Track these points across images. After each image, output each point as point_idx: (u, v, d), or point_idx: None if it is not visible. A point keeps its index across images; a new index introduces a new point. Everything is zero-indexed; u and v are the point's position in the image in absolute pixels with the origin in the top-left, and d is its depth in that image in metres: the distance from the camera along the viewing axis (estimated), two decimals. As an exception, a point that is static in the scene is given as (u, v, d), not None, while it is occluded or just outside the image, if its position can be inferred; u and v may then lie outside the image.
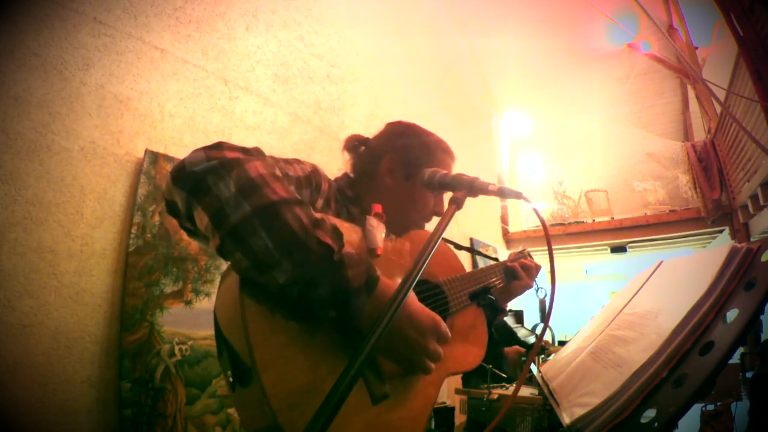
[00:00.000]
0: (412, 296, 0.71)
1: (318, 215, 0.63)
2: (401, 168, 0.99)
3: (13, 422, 1.27)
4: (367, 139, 1.07)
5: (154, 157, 1.75)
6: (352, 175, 1.04)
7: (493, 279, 1.09)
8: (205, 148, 0.62)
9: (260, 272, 0.58)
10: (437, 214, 1.00)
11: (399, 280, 0.59)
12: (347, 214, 0.93)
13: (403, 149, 1.00)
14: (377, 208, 0.79)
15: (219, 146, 0.63)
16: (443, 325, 0.70)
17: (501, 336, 2.67)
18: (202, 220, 0.59)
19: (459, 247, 1.10)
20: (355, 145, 1.06)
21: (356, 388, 0.46)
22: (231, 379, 0.61)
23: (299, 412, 0.57)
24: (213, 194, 0.58)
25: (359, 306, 0.62)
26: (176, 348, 1.66)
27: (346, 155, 1.05)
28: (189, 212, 0.61)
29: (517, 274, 1.14)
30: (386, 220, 0.78)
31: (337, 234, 0.62)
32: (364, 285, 0.62)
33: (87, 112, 1.58)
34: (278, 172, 0.65)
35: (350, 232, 0.70)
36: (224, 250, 0.58)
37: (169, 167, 1.79)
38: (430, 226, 0.99)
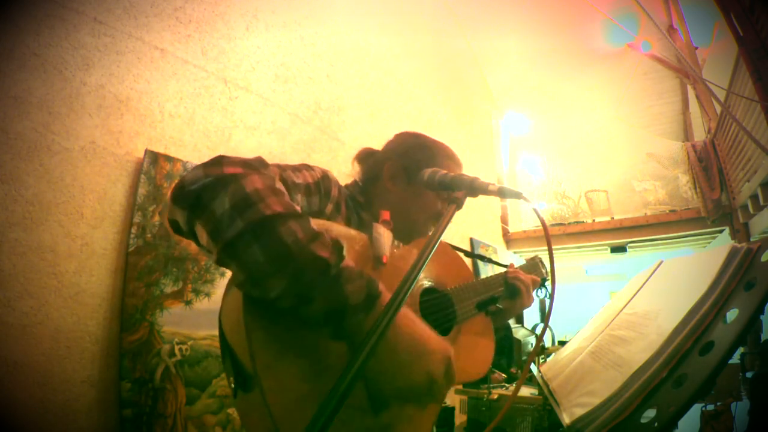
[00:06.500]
0: (416, 322, 0.65)
1: (317, 228, 0.61)
2: (402, 173, 0.99)
3: (13, 422, 1.27)
4: (376, 150, 1.09)
5: (154, 157, 1.75)
6: (361, 183, 1.06)
7: (500, 290, 1.08)
8: (205, 165, 0.61)
9: (253, 286, 0.57)
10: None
11: None
12: (358, 219, 0.94)
13: (405, 154, 1.01)
14: (385, 215, 0.79)
15: (219, 162, 0.62)
16: (452, 364, 0.65)
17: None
18: (202, 236, 0.60)
19: (467, 254, 1.10)
20: (364, 156, 1.08)
21: (358, 392, 0.45)
22: (233, 385, 0.61)
23: (300, 419, 0.56)
24: (209, 211, 0.57)
25: (356, 324, 0.59)
26: (176, 348, 1.66)
27: (356, 166, 1.07)
28: (191, 229, 0.61)
29: (517, 292, 1.07)
30: (393, 226, 0.78)
31: (337, 247, 0.61)
32: (363, 301, 0.60)
33: (87, 112, 1.58)
34: (279, 185, 0.64)
35: (355, 242, 0.69)
36: (221, 264, 0.59)
37: (169, 167, 1.79)
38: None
